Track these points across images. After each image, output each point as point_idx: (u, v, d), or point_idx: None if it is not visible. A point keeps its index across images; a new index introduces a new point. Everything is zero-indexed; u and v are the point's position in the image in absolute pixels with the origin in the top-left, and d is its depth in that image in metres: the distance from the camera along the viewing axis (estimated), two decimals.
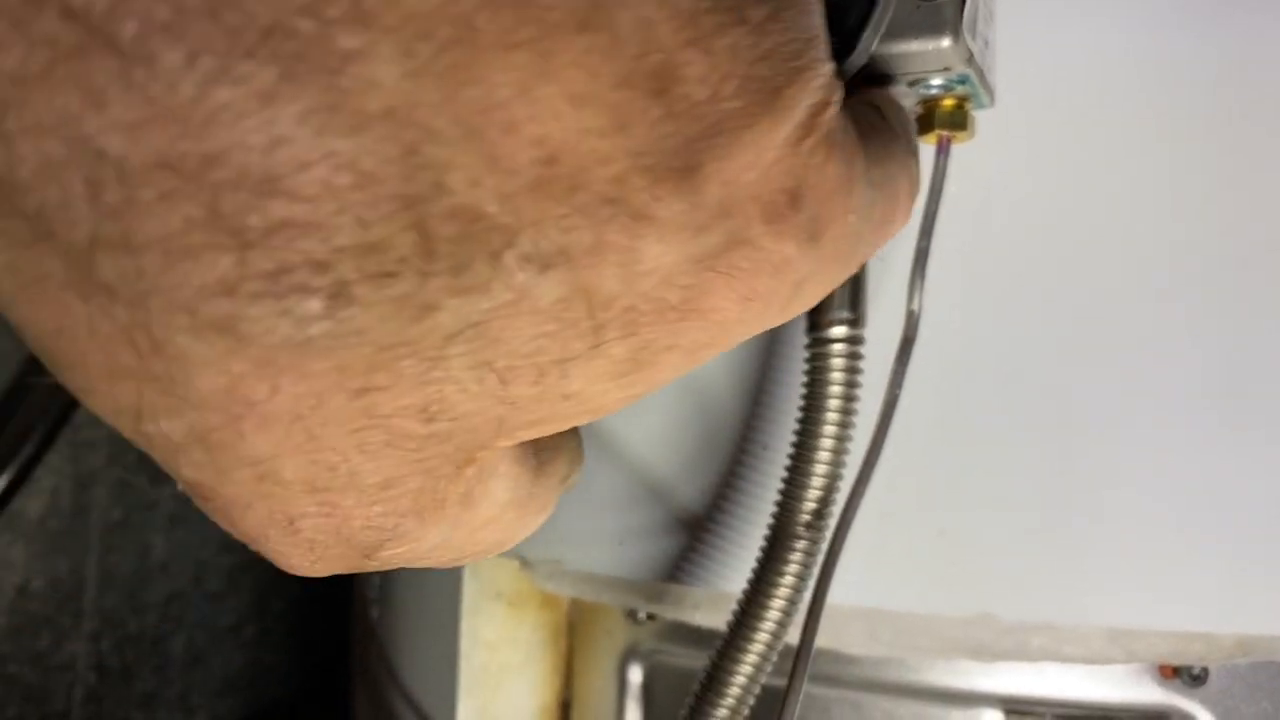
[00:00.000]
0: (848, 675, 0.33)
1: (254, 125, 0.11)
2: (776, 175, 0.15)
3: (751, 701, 0.25)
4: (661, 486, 0.33)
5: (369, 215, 0.12)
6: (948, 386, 0.30)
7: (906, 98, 0.23)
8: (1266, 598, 0.28)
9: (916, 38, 0.21)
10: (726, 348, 0.16)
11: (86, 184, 0.11)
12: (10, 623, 0.59)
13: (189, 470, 0.14)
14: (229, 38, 0.11)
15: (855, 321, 0.24)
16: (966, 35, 0.21)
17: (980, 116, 0.24)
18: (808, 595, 0.24)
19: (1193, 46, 0.28)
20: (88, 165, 0.11)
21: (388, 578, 0.47)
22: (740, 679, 0.25)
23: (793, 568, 0.24)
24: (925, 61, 0.21)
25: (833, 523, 0.24)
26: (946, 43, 0.21)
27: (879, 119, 0.20)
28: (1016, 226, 0.29)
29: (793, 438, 0.25)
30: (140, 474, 0.65)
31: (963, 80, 0.22)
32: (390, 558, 0.16)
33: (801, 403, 0.24)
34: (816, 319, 0.24)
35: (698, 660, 0.26)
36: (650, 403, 0.33)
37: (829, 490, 0.24)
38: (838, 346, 0.24)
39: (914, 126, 0.21)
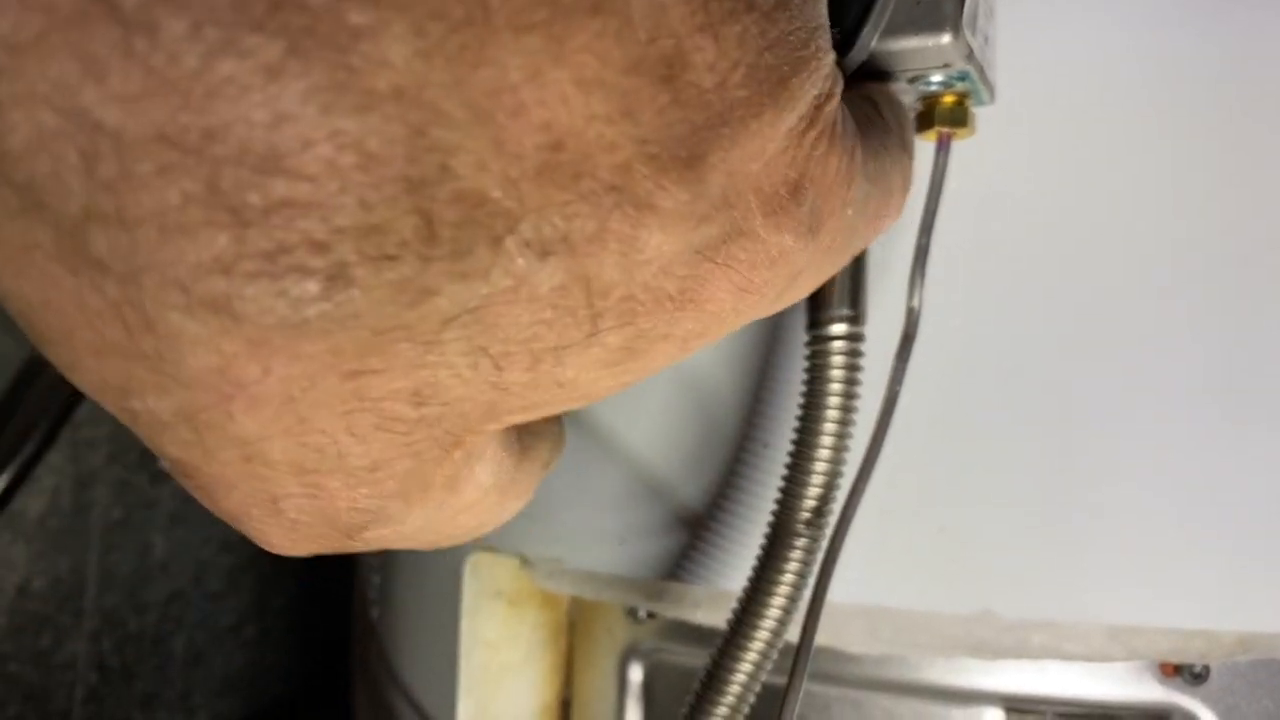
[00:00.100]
0: (848, 673, 0.32)
1: (258, 101, 0.11)
2: (780, 166, 0.15)
3: (752, 700, 0.25)
4: (662, 484, 0.33)
5: (372, 197, 0.12)
6: (948, 383, 0.30)
7: (906, 94, 0.23)
8: (1267, 595, 0.28)
9: (916, 34, 0.21)
10: (719, 337, 0.16)
11: (81, 156, 0.11)
12: (11, 622, 0.59)
13: (174, 448, 0.14)
14: (235, 9, 0.11)
15: (855, 319, 0.24)
16: (966, 31, 0.21)
17: (981, 113, 0.24)
18: (808, 593, 0.24)
19: (1193, 42, 0.28)
20: (83, 137, 0.11)
21: (387, 577, 0.47)
22: (740, 677, 0.25)
23: (793, 565, 0.24)
24: (925, 58, 0.21)
25: (833, 520, 0.24)
26: (946, 39, 0.21)
27: (874, 113, 0.20)
28: (1017, 223, 0.29)
29: (793, 435, 0.25)
30: (141, 473, 0.65)
31: (963, 77, 0.22)
32: (372, 539, 0.16)
33: (801, 400, 0.24)
34: (817, 316, 0.24)
35: (698, 658, 0.26)
36: (650, 401, 0.33)
37: (829, 488, 0.24)
38: (838, 344, 0.24)
39: (910, 121, 0.21)
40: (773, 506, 0.25)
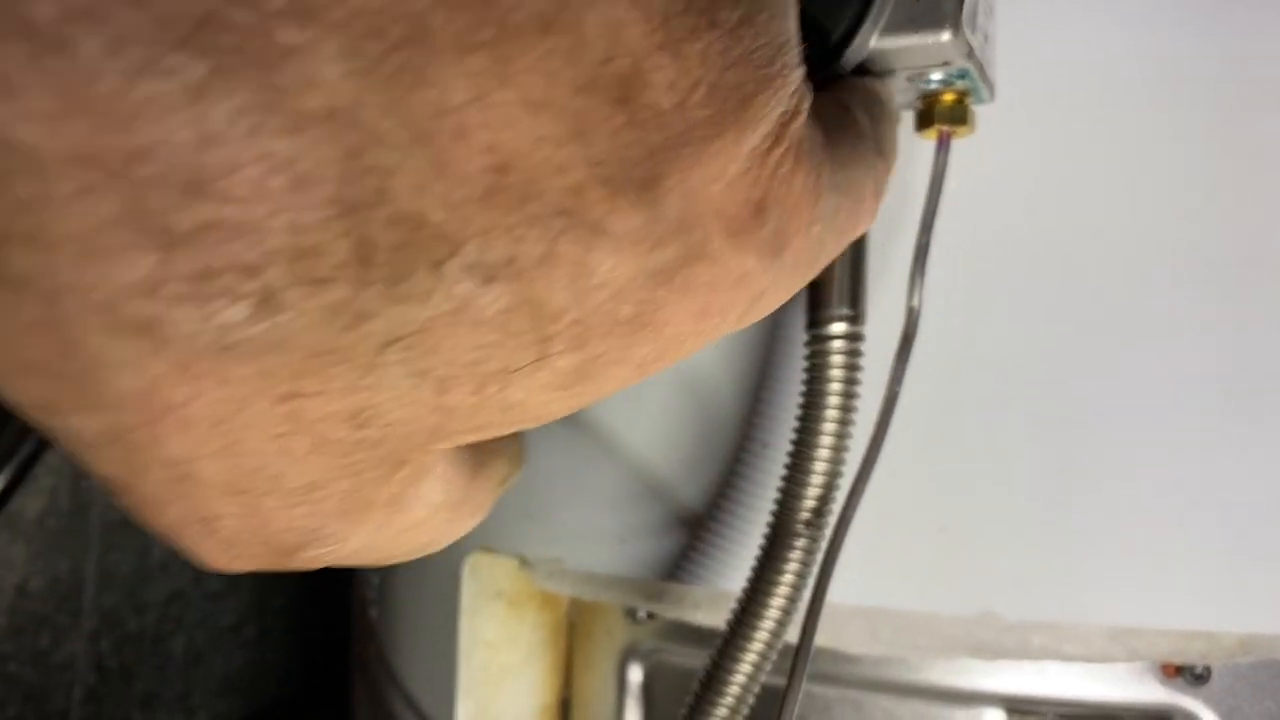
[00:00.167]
0: (848, 674, 0.32)
1: (182, 121, 0.11)
2: (742, 187, 0.14)
3: (751, 700, 0.25)
4: (661, 485, 0.33)
5: (304, 220, 0.11)
6: (948, 383, 0.30)
7: (905, 92, 0.23)
8: (1269, 596, 0.28)
9: (916, 31, 0.21)
10: (680, 359, 0.16)
11: None
12: (10, 622, 0.59)
13: (103, 467, 0.14)
14: (157, 27, 0.10)
15: (855, 318, 0.24)
16: (966, 29, 0.21)
17: (980, 111, 0.24)
18: (807, 593, 0.24)
19: (1193, 41, 0.28)
20: None
21: (387, 578, 0.47)
22: (740, 678, 0.24)
23: (792, 566, 0.24)
24: (925, 56, 0.21)
25: (832, 520, 0.24)
26: (946, 37, 0.21)
27: (847, 117, 0.19)
28: (1017, 222, 0.29)
29: (792, 435, 0.25)
30: None
31: (963, 75, 0.22)
32: (311, 559, 0.16)
33: (801, 400, 0.24)
34: (816, 316, 0.24)
35: (698, 659, 0.26)
36: (650, 401, 0.33)
37: (829, 488, 0.24)
38: (837, 343, 0.24)
39: (891, 120, 0.21)
40: (772, 507, 0.25)
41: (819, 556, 0.24)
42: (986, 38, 0.23)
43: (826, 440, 0.24)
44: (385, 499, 0.15)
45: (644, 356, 0.15)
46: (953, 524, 0.30)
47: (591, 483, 0.35)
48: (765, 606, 0.24)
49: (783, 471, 0.25)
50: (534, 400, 0.14)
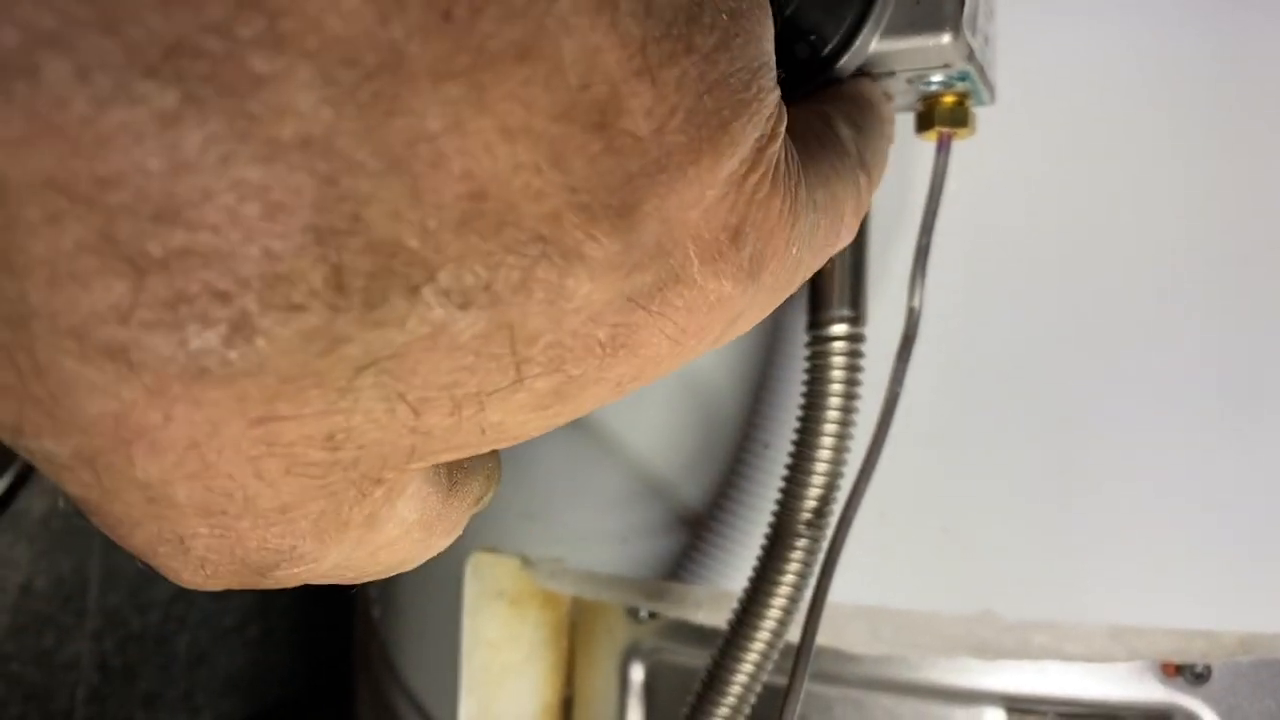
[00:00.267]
0: (849, 673, 0.32)
1: (154, 149, 0.11)
2: (719, 212, 0.14)
3: (753, 700, 0.25)
4: (663, 485, 0.33)
5: (278, 247, 0.11)
6: (949, 384, 0.30)
7: (906, 94, 0.23)
8: (1269, 595, 0.28)
9: (917, 34, 0.21)
10: (657, 379, 0.16)
11: None
12: (13, 622, 0.59)
13: (74, 488, 0.14)
14: (127, 54, 0.10)
15: (856, 319, 0.24)
16: (967, 31, 0.21)
17: (981, 113, 0.24)
18: (809, 593, 0.24)
19: (1193, 43, 0.28)
20: None
21: (389, 578, 0.47)
22: (742, 677, 0.25)
23: (794, 566, 0.24)
24: (925, 58, 0.21)
25: (834, 521, 0.24)
26: (946, 39, 0.21)
27: (828, 132, 0.19)
28: (1017, 224, 0.29)
29: (793, 435, 0.25)
30: None
31: (963, 77, 0.22)
32: (285, 578, 0.16)
33: (802, 401, 0.24)
34: (817, 317, 0.24)
35: (699, 658, 0.26)
36: (651, 401, 0.33)
37: (830, 488, 0.24)
38: (838, 344, 0.24)
39: (878, 131, 0.21)
40: (773, 507, 0.25)
41: (820, 556, 0.24)
42: (987, 40, 0.23)
43: (827, 441, 0.24)
44: (360, 519, 0.15)
45: (621, 376, 0.15)
46: (953, 524, 0.30)
47: (593, 483, 0.35)
48: (767, 606, 0.24)
49: (784, 472, 0.25)
50: (511, 421, 0.14)
